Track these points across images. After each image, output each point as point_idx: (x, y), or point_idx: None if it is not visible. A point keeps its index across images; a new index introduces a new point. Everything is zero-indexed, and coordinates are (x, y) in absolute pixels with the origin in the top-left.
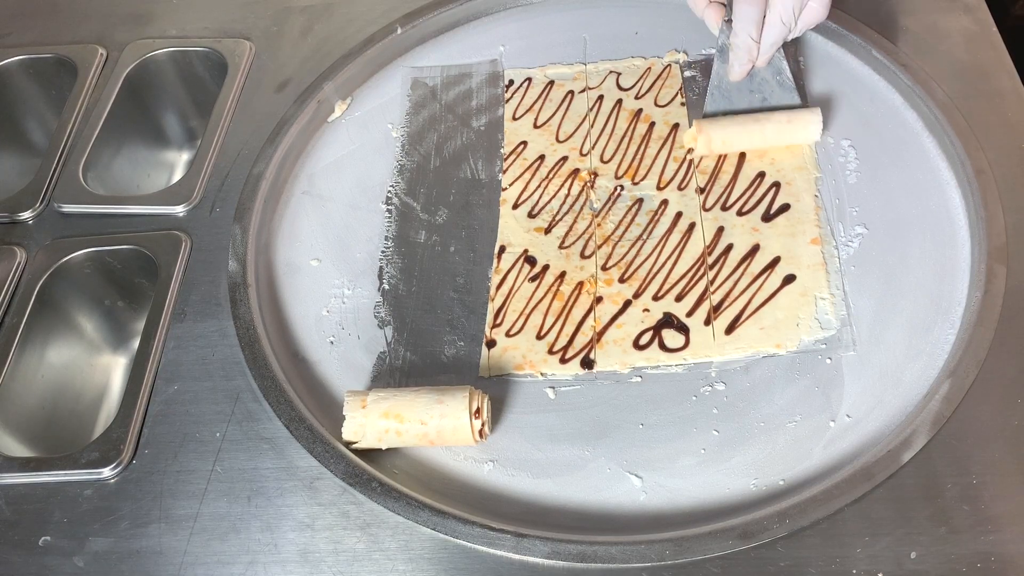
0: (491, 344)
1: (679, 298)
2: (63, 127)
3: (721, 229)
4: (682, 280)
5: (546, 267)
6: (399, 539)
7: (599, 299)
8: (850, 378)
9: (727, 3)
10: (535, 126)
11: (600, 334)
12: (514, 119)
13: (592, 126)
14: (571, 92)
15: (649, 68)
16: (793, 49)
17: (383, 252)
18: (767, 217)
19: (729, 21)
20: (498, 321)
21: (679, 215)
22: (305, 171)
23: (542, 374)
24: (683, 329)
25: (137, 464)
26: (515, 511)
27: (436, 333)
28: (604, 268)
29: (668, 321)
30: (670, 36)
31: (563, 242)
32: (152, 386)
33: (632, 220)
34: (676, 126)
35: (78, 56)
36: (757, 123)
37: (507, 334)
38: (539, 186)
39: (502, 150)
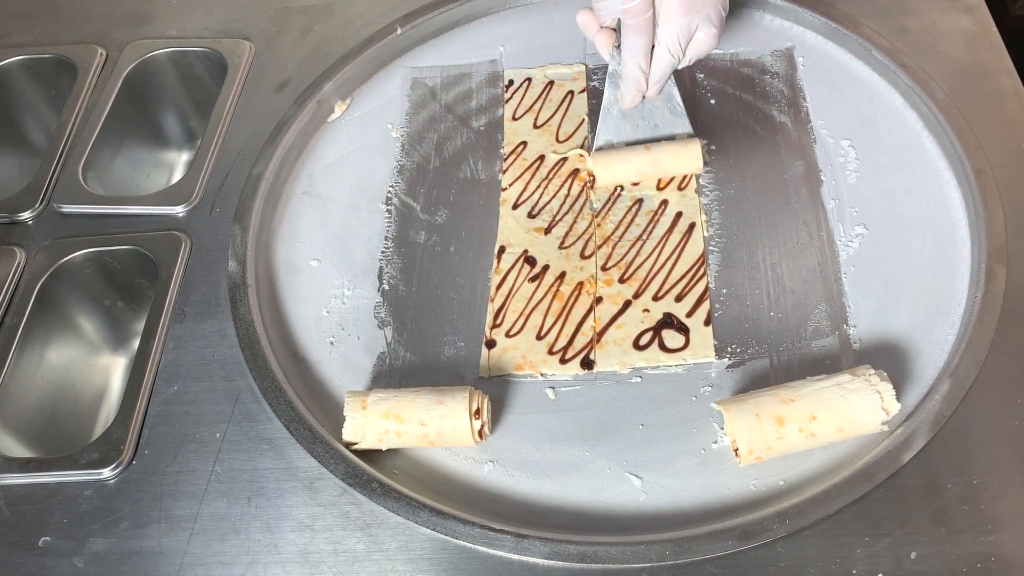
0: (491, 344)
1: (679, 298)
2: (63, 127)
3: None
4: (682, 280)
5: (546, 267)
6: (399, 539)
7: (599, 299)
8: None
9: (617, 28)
10: (535, 126)
11: (600, 334)
12: (514, 119)
13: (592, 126)
14: (571, 92)
15: None
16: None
17: (383, 252)
18: None
19: (620, 47)
20: (498, 321)
21: (679, 215)
22: (305, 171)
23: (542, 374)
24: (683, 329)
25: (137, 465)
26: (515, 511)
27: (436, 333)
28: (604, 268)
29: (668, 321)
30: None
31: (563, 242)
32: (152, 386)
33: (632, 220)
34: None
35: (78, 56)
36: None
37: (507, 334)
38: (539, 186)
39: (502, 150)
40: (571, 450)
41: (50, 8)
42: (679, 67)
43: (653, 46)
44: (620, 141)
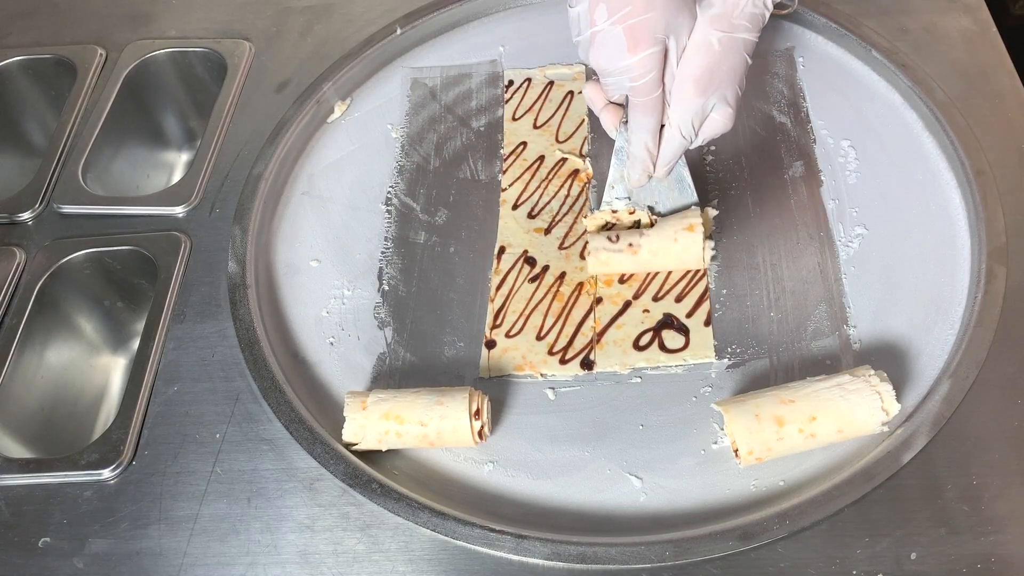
0: (491, 345)
1: (679, 299)
2: (63, 128)
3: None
4: (682, 281)
5: (546, 268)
6: (399, 540)
7: (599, 300)
8: None
9: (625, 104)
10: (535, 127)
11: (600, 335)
12: (514, 119)
13: (592, 127)
14: (571, 92)
15: None
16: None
17: (383, 253)
18: None
19: (627, 123)
20: (498, 322)
21: None
22: (305, 171)
23: (542, 375)
24: (683, 330)
25: (137, 465)
26: (515, 512)
27: (436, 334)
28: None
29: (668, 322)
30: None
31: (563, 243)
32: (152, 387)
33: None
34: None
35: (77, 57)
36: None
37: (507, 335)
38: (539, 187)
39: (502, 151)
40: (571, 451)
41: (50, 8)
42: (691, 147)
43: (663, 125)
44: (623, 208)
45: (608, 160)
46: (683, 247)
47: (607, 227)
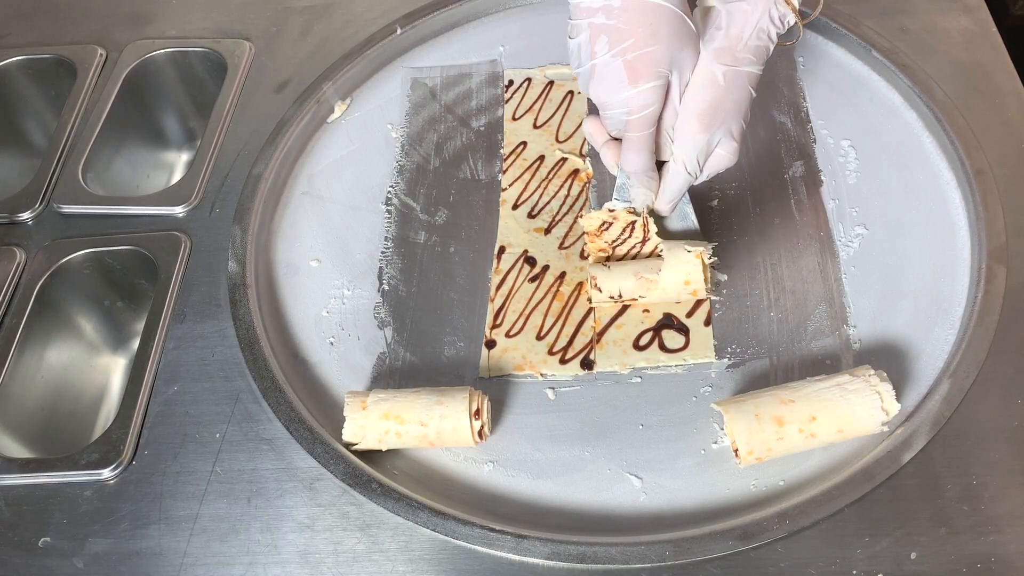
0: (491, 345)
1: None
2: (63, 127)
3: None
4: None
5: (546, 267)
6: (399, 540)
7: None
8: None
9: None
10: (535, 126)
11: (600, 335)
12: (514, 119)
13: None
14: (571, 92)
15: None
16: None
17: (383, 253)
18: None
19: None
20: (498, 322)
21: None
22: (305, 171)
23: (542, 375)
24: (683, 330)
25: (137, 465)
26: (515, 512)
27: (436, 334)
28: None
29: (668, 322)
30: None
31: (563, 242)
32: (152, 387)
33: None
34: None
35: (77, 57)
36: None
37: (507, 335)
38: (539, 186)
39: (502, 150)
40: (571, 450)
41: (50, 8)
42: (696, 182)
43: (665, 161)
44: (620, 207)
45: None
46: (683, 301)
47: (604, 226)
